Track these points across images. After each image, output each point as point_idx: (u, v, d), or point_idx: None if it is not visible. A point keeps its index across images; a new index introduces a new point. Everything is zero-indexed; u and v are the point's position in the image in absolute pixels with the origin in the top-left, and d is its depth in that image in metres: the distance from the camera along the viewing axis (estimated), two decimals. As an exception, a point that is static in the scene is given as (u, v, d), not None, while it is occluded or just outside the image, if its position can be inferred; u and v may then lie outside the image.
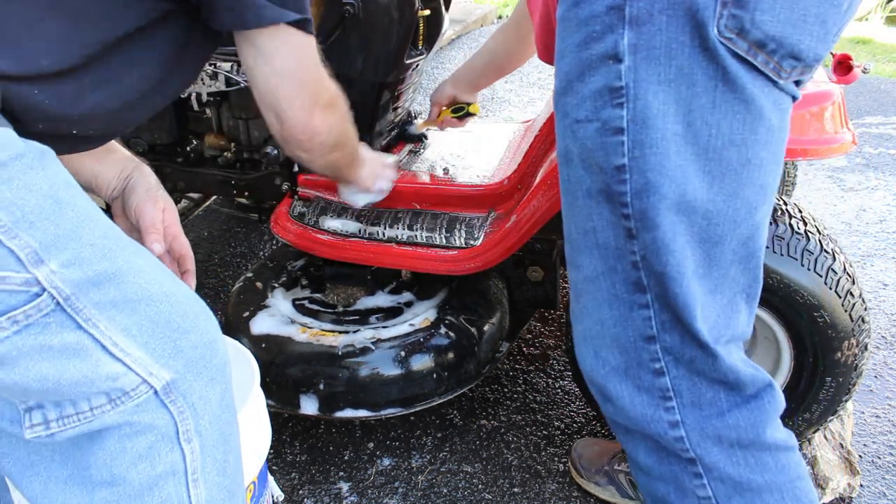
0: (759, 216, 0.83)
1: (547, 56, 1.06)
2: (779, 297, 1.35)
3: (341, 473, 1.65)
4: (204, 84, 1.66)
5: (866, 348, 1.40)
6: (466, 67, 1.73)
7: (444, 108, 1.81)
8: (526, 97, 4.01)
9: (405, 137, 1.95)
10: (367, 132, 1.69)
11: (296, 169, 1.73)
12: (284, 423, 1.78)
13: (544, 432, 1.74)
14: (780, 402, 0.88)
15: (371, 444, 1.73)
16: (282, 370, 1.56)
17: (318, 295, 1.76)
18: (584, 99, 0.81)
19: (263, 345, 1.59)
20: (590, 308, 0.90)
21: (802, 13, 0.73)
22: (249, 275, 1.83)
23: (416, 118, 2.01)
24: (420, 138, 1.95)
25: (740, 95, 0.76)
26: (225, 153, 1.78)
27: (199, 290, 2.31)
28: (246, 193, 1.86)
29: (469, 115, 1.83)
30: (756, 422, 0.85)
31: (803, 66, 0.78)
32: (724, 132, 0.77)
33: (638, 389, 0.87)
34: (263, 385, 1.29)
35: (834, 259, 1.35)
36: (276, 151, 1.60)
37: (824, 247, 1.35)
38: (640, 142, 0.78)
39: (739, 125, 0.77)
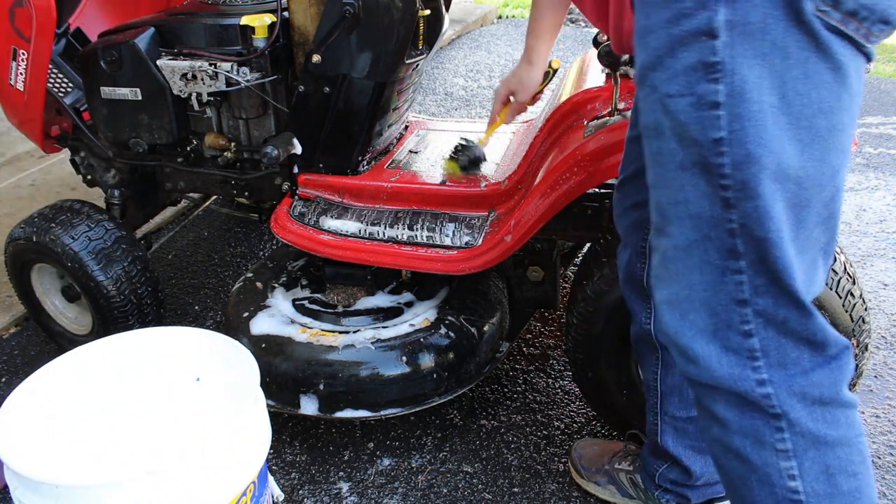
0: (839, 178, 0.88)
1: (617, 42, 1.06)
2: (779, 298, 1.35)
3: (341, 473, 1.65)
4: (204, 84, 1.66)
5: (866, 348, 1.40)
6: (536, 39, 1.53)
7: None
8: (526, 97, 4.01)
9: (470, 167, 1.72)
10: (366, 132, 1.69)
11: (296, 169, 1.73)
12: (284, 423, 1.78)
13: (544, 432, 1.74)
14: (853, 364, 0.94)
15: (371, 444, 1.73)
16: (282, 370, 1.56)
17: (318, 295, 1.76)
18: (675, 74, 0.83)
19: (263, 345, 1.59)
20: (679, 274, 0.93)
21: None
22: (249, 275, 1.83)
23: (465, 142, 1.73)
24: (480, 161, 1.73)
25: (830, 65, 0.81)
26: (225, 153, 1.78)
27: (199, 290, 2.31)
28: (246, 193, 1.86)
29: (555, 72, 1.65)
30: (836, 381, 0.91)
31: (890, 28, 0.83)
32: (815, 101, 0.82)
33: (725, 350, 0.91)
34: (263, 385, 1.29)
35: (834, 259, 1.35)
36: (276, 151, 1.60)
37: (824, 247, 1.35)
38: (738, 115, 0.81)
39: (828, 93, 0.82)
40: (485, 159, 1.74)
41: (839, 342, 0.92)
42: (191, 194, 2.19)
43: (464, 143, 1.74)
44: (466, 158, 1.71)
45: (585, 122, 1.51)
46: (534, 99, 1.65)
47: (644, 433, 1.46)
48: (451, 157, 1.73)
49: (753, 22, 0.78)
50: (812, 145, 0.83)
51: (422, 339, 1.58)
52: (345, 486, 1.61)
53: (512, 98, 1.63)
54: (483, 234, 1.57)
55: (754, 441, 0.92)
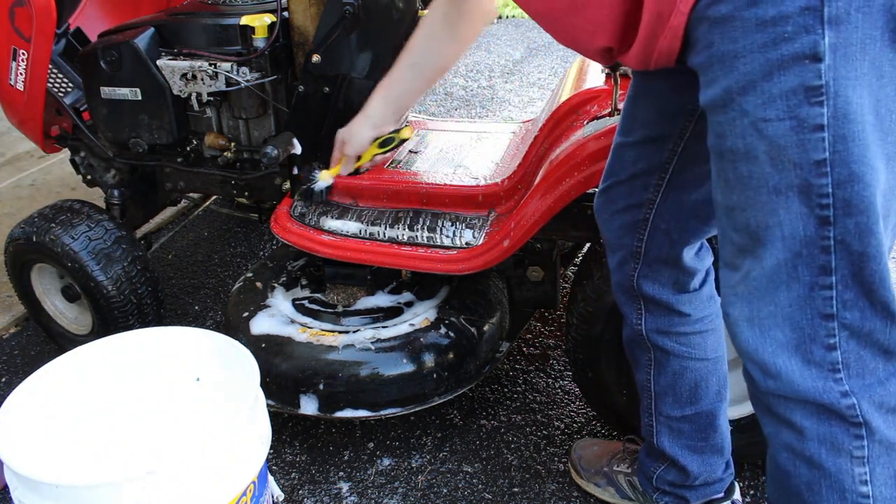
0: None
1: (642, 59, 1.01)
2: (779, 298, 1.35)
3: (341, 473, 1.65)
4: (204, 84, 1.66)
5: (866, 348, 1.39)
6: (383, 100, 1.54)
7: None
8: (526, 97, 4.01)
9: (308, 196, 1.70)
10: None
11: (295, 170, 1.73)
12: (284, 423, 1.78)
13: (544, 432, 1.74)
14: None
15: (371, 444, 1.73)
16: (282, 370, 1.56)
17: (318, 295, 1.76)
18: (772, 98, 0.83)
19: (263, 345, 1.59)
20: (763, 292, 0.94)
21: None
22: (249, 275, 1.83)
23: (315, 171, 1.69)
24: (322, 195, 1.70)
25: None
26: (225, 153, 1.78)
27: (199, 290, 2.31)
28: (246, 193, 1.86)
29: (402, 142, 1.70)
30: None
31: None
32: None
33: (808, 364, 0.93)
34: (263, 385, 1.29)
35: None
36: (275, 151, 1.60)
37: (824, 247, 1.35)
38: (842, 136, 0.82)
39: None
40: (324, 196, 1.69)
41: None
42: (191, 194, 2.19)
43: (312, 176, 1.68)
44: (308, 189, 1.69)
45: (585, 123, 1.51)
46: (371, 158, 1.65)
47: (642, 437, 1.46)
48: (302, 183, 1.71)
49: (854, 43, 0.79)
50: (894, 158, 0.86)
51: (422, 339, 1.58)
52: (345, 486, 1.61)
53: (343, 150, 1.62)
54: (483, 235, 1.57)
55: (830, 447, 0.93)
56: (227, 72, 1.62)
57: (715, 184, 0.96)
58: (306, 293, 1.78)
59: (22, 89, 1.80)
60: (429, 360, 1.56)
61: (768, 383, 0.95)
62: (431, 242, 1.58)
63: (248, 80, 1.62)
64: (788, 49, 0.80)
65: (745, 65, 0.83)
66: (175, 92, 1.69)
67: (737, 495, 1.43)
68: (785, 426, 0.96)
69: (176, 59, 1.67)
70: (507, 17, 5.71)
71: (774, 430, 0.99)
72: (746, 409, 1.52)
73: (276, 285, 1.78)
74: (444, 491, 1.59)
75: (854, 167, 0.83)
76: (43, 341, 2.15)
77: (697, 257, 1.27)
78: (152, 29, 1.69)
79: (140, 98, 1.73)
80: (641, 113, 1.18)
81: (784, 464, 0.98)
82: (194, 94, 1.69)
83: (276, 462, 1.68)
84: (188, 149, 1.84)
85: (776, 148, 0.85)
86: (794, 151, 0.83)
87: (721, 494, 1.41)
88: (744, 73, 0.84)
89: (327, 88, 1.61)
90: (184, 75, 1.66)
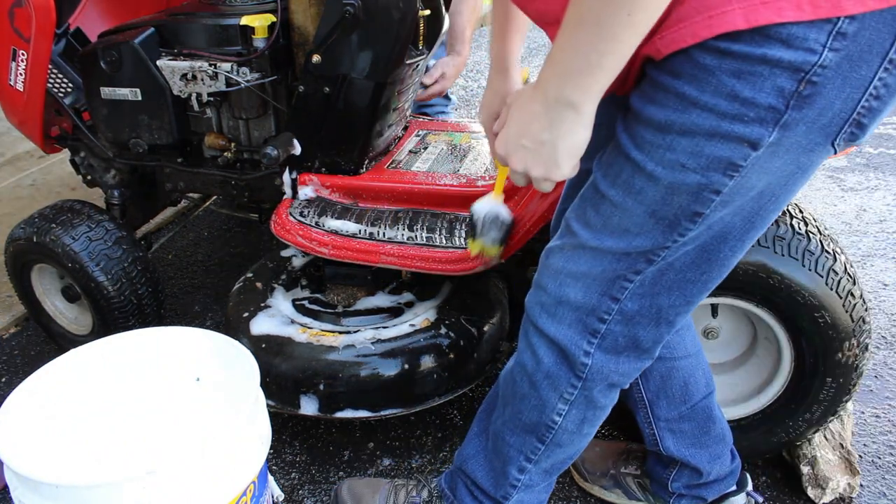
0: None
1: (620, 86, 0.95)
2: (780, 298, 1.35)
3: (341, 473, 1.65)
4: (204, 84, 1.66)
5: (867, 348, 1.40)
6: (502, 39, 1.24)
7: None
8: (526, 97, 4.01)
9: (506, 239, 1.41)
10: (366, 132, 1.69)
11: (294, 174, 1.73)
12: (284, 423, 1.78)
13: (544, 432, 1.74)
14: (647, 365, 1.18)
15: (371, 444, 1.73)
16: (282, 370, 1.56)
17: (319, 295, 1.76)
18: (699, 154, 0.89)
19: (263, 345, 1.59)
20: (585, 257, 1.05)
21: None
22: (249, 275, 1.83)
23: (485, 214, 1.37)
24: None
25: (811, 169, 0.95)
26: (225, 153, 1.78)
27: (199, 290, 2.31)
28: (246, 194, 1.86)
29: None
30: (631, 374, 1.15)
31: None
32: (780, 196, 0.97)
33: (578, 321, 1.10)
34: (263, 385, 1.29)
35: (835, 259, 1.35)
36: (276, 151, 1.60)
37: (825, 247, 1.35)
38: (725, 202, 0.93)
39: (791, 188, 0.96)
40: (512, 222, 1.40)
41: (655, 354, 1.12)
42: (191, 194, 2.19)
43: (483, 215, 1.36)
44: (499, 233, 1.37)
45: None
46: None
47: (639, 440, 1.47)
48: (477, 237, 1.38)
49: (784, 146, 0.87)
50: (752, 225, 0.99)
51: (422, 339, 1.58)
52: (345, 487, 1.61)
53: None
54: (483, 234, 1.57)
55: (550, 383, 1.13)
56: (227, 72, 1.62)
57: (605, 167, 1.00)
58: (306, 293, 1.78)
59: (22, 90, 1.80)
60: (429, 360, 1.56)
61: (543, 317, 1.11)
62: (431, 242, 1.58)
63: (248, 81, 1.62)
64: (739, 129, 0.86)
65: (699, 116, 0.88)
66: (175, 92, 1.69)
67: (750, 486, 1.44)
68: (530, 351, 1.14)
69: (176, 60, 1.67)
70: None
71: (522, 348, 1.17)
72: (746, 409, 1.52)
73: (276, 285, 1.78)
74: (445, 491, 1.59)
75: (715, 226, 0.97)
76: (43, 341, 2.15)
77: None
78: (152, 29, 1.69)
79: (140, 98, 1.73)
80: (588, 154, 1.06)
81: (515, 374, 1.19)
82: (194, 95, 1.69)
83: (276, 462, 1.68)
84: (188, 149, 1.84)
85: (675, 188, 0.93)
86: (686, 199, 0.93)
87: (734, 487, 1.41)
88: (693, 121, 0.88)
89: (327, 88, 1.61)
90: (184, 75, 1.66)
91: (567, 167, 0.94)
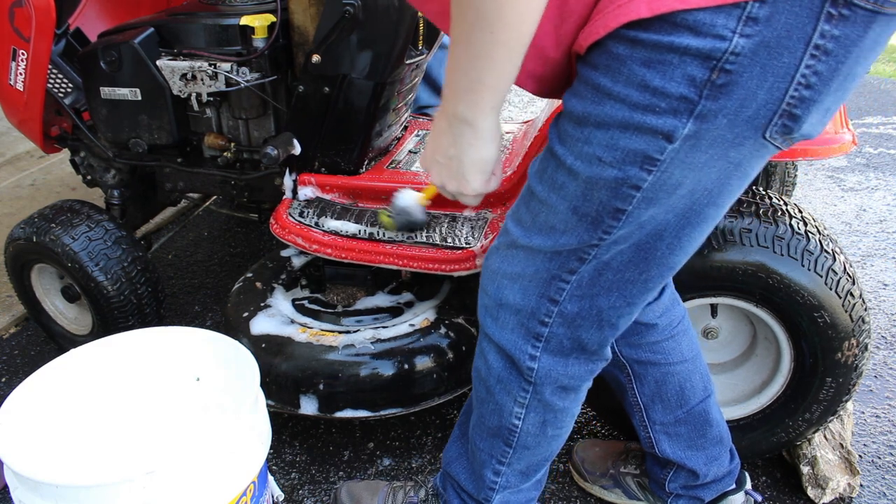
0: None
1: (555, 50, 0.93)
2: (779, 298, 1.35)
3: (341, 473, 1.65)
4: (203, 84, 1.66)
5: (866, 348, 1.40)
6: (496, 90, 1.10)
7: None
8: (526, 97, 4.01)
9: (405, 229, 1.57)
10: (366, 132, 1.69)
11: (294, 175, 1.73)
12: (284, 423, 1.78)
13: (544, 432, 1.74)
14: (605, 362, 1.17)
15: (371, 444, 1.73)
16: (282, 370, 1.56)
17: (319, 295, 1.76)
18: (615, 147, 0.87)
19: (263, 345, 1.59)
20: (519, 258, 1.04)
21: (827, 114, 0.86)
22: (249, 275, 1.83)
23: (405, 202, 1.54)
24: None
25: (745, 167, 0.90)
26: (225, 153, 1.78)
27: (199, 290, 2.31)
28: (246, 194, 1.86)
29: None
30: (584, 377, 1.14)
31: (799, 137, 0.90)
32: (714, 193, 0.93)
33: (520, 326, 1.09)
34: (263, 385, 1.29)
35: (834, 259, 1.35)
36: (275, 152, 1.60)
37: (825, 247, 1.35)
38: (649, 199, 0.90)
39: (727, 186, 0.93)
40: (424, 225, 1.56)
41: (607, 356, 1.11)
42: (190, 194, 2.19)
43: (400, 206, 1.54)
44: (404, 221, 1.55)
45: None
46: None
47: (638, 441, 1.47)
48: (388, 214, 1.56)
49: (705, 139, 0.84)
50: (692, 223, 0.96)
51: (422, 340, 1.58)
52: (345, 486, 1.61)
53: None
54: (482, 235, 1.57)
55: (503, 387, 1.13)
56: (227, 72, 1.62)
57: (536, 164, 1.00)
58: (306, 293, 1.78)
59: (22, 89, 1.80)
60: (429, 360, 1.56)
61: (487, 321, 1.10)
62: (431, 242, 1.58)
63: (247, 81, 1.62)
64: (652, 121, 0.83)
65: (612, 108, 0.86)
66: (175, 92, 1.69)
67: (749, 485, 1.43)
68: (482, 356, 1.15)
69: (176, 60, 1.67)
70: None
71: (476, 353, 1.17)
72: (746, 409, 1.52)
73: (275, 285, 1.78)
74: (444, 491, 1.59)
75: (647, 224, 0.93)
76: (43, 341, 2.15)
77: None
78: (152, 29, 1.69)
79: (140, 98, 1.73)
80: None
81: (474, 379, 1.20)
82: (194, 95, 1.69)
83: (276, 462, 1.68)
84: (188, 149, 1.84)
85: (594, 183, 0.90)
86: (606, 194, 0.90)
87: (733, 486, 1.41)
88: (607, 113, 0.86)
89: (327, 88, 1.61)
90: (183, 75, 1.66)
91: (476, 181, 0.99)
